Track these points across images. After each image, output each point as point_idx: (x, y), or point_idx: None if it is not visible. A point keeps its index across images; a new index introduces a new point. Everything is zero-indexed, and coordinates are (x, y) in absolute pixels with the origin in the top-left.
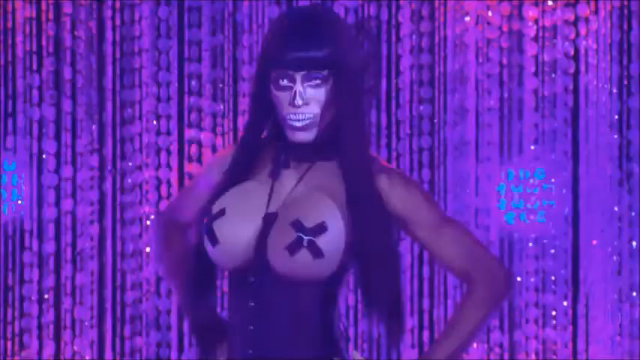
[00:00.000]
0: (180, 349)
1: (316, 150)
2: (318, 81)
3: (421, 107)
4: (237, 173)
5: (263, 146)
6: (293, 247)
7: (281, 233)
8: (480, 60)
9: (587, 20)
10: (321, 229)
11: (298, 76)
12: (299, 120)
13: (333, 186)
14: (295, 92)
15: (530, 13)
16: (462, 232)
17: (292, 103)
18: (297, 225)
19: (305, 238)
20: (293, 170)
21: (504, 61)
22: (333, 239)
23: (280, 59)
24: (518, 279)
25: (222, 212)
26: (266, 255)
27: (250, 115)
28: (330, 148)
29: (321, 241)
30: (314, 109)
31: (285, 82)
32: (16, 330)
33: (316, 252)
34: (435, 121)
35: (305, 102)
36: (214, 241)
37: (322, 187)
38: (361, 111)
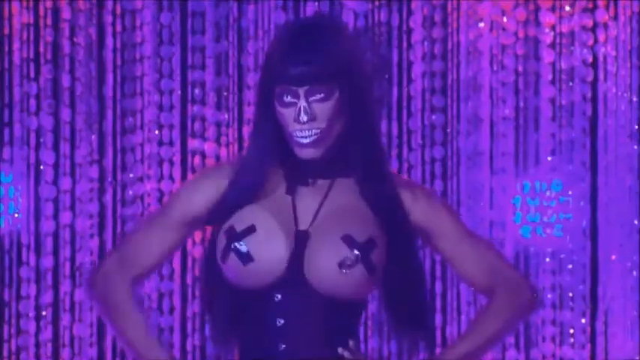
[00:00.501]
0: None
1: (333, 166)
2: (322, 95)
3: (433, 116)
4: (247, 191)
5: (270, 163)
6: (348, 263)
7: (329, 250)
8: (495, 67)
9: (605, 26)
10: (372, 244)
11: (302, 92)
12: (305, 137)
13: (355, 202)
14: (300, 108)
15: (547, 18)
16: (485, 246)
17: (297, 120)
18: (349, 240)
19: (360, 253)
20: (312, 187)
21: (520, 68)
22: (381, 254)
23: (282, 75)
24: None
25: (252, 229)
26: (302, 271)
27: (255, 131)
28: (346, 164)
29: (373, 257)
30: (320, 124)
31: (289, 99)
32: (13, 348)
33: (371, 268)
34: (448, 130)
35: (310, 117)
36: (246, 259)
37: (349, 204)
38: (373, 123)
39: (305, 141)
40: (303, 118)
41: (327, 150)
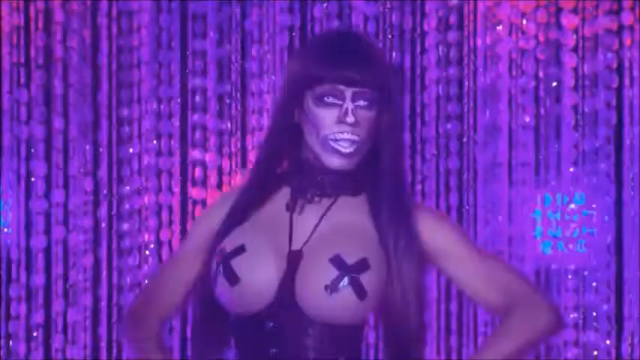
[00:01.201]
0: None
1: (343, 184)
2: (367, 102)
3: (449, 125)
4: (248, 207)
5: (277, 177)
6: (334, 286)
7: (317, 271)
8: (514, 73)
9: (631, 29)
10: (363, 265)
11: (349, 93)
12: (346, 140)
13: (360, 222)
14: (346, 109)
15: (570, 21)
16: (500, 266)
17: (343, 120)
18: (338, 261)
19: (347, 275)
20: (313, 205)
21: (540, 74)
22: (376, 277)
23: (330, 74)
24: None
25: (241, 249)
26: (294, 296)
27: (270, 140)
28: (359, 183)
29: (365, 279)
30: (361, 133)
31: (331, 99)
32: None
33: (360, 291)
34: (464, 140)
35: (355, 121)
36: (233, 280)
37: (348, 223)
38: (403, 146)
39: (344, 150)
40: (350, 119)
41: (356, 165)
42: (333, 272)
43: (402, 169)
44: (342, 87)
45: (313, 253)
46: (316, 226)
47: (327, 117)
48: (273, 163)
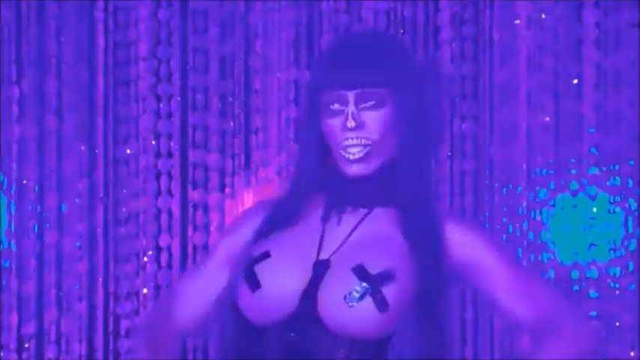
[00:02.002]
0: None
1: (375, 194)
2: (373, 102)
3: (463, 125)
4: (283, 218)
5: (314, 188)
6: (353, 297)
7: (338, 281)
8: (533, 69)
9: None
10: (387, 277)
11: (351, 96)
12: (354, 146)
13: (391, 233)
14: (348, 113)
15: (591, 14)
16: (539, 285)
17: (345, 126)
18: (360, 271)
19: (369, 286)
20: (348, 215)
21: (560, 70)
22: (401, 290)
23: (330, 79)
24: None
25: (266, 254)
26: (315, 307)
27: (299, 153)
28: (388, 191)
29: (388, 291)
30: (371, 135)
31: (336, 106)
32: None
33: (382, 303)
34: (480, 140)
35: (359, 125)
36: (255, 285)
37: (379, 234)
38: (425, 148)
39: (354, 152)
40: (351, 123)
41: (377, 170)
42: (354, 282)
43: (423, 173)
44: (343, 91)
45: (339, 263)
46: (348, 236)
47: (334, 125)
48: (310, 174)
